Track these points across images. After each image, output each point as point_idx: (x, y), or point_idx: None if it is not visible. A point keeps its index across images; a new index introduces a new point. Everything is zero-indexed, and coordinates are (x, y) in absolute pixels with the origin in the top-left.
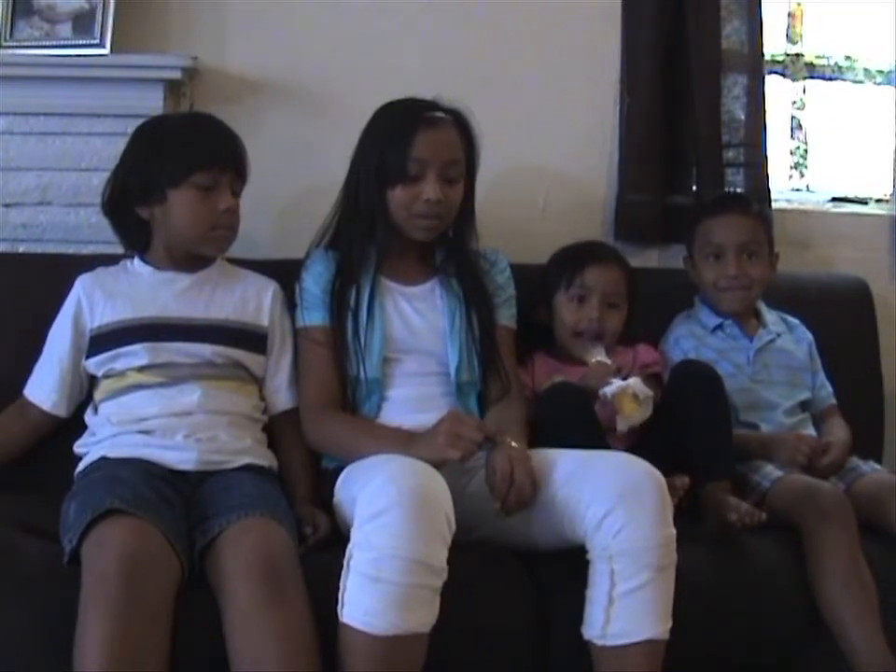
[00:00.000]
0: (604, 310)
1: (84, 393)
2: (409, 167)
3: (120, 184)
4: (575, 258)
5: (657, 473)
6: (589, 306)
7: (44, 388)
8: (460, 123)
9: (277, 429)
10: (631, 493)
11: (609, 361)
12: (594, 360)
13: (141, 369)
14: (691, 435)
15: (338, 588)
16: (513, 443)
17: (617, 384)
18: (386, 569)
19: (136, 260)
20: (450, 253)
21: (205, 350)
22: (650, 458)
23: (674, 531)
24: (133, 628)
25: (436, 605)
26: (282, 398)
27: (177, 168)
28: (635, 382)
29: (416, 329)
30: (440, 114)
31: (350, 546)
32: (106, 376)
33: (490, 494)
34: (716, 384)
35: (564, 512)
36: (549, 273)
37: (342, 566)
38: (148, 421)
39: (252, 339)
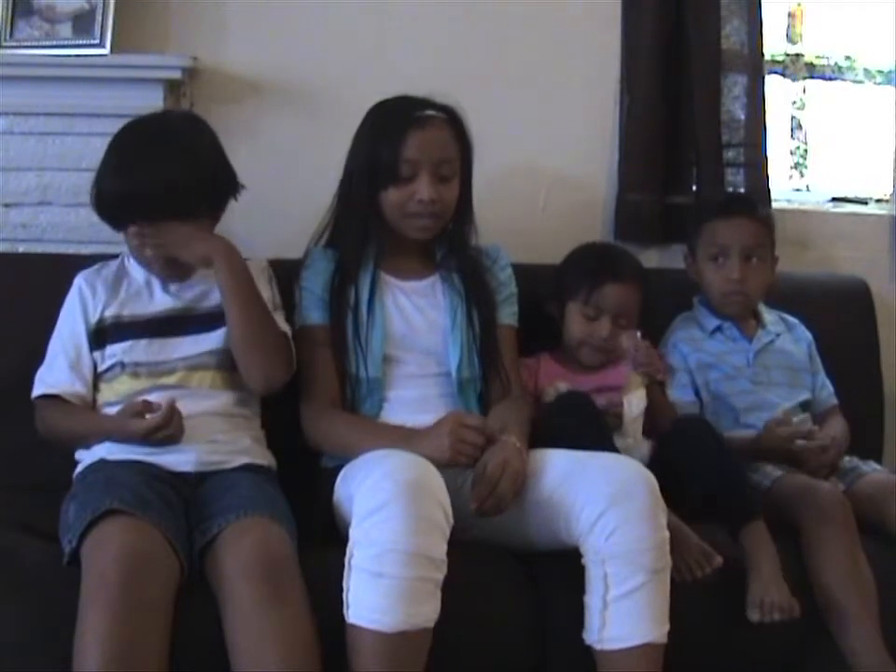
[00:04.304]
0: (614, 329)
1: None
2: (400, 169)
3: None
4: (595, 269)
5: (649, 474)
6: (600, 325)
7: (64, 378)
8: (452, 120)
9: None
10: (623, 494)
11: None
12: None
13: (135, 373)
14: (706, 499)
15: (338, 588)
16: (517, 443)
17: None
18: (388, 563)
19: (132, 259)
20: (450, 250)
21: (202, 341)
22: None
23: (668, 533)
24: (133, 628)
25: (438, 599)
26: None
27: (114, 221)
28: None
29: (416, 326)
30: (430, 112)
31: (350, 545)
32: (102, 380)
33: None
34: (708, 445)
35: (559, 514)
36: (567, 274)
37: (342, 566)
38: None
39: None
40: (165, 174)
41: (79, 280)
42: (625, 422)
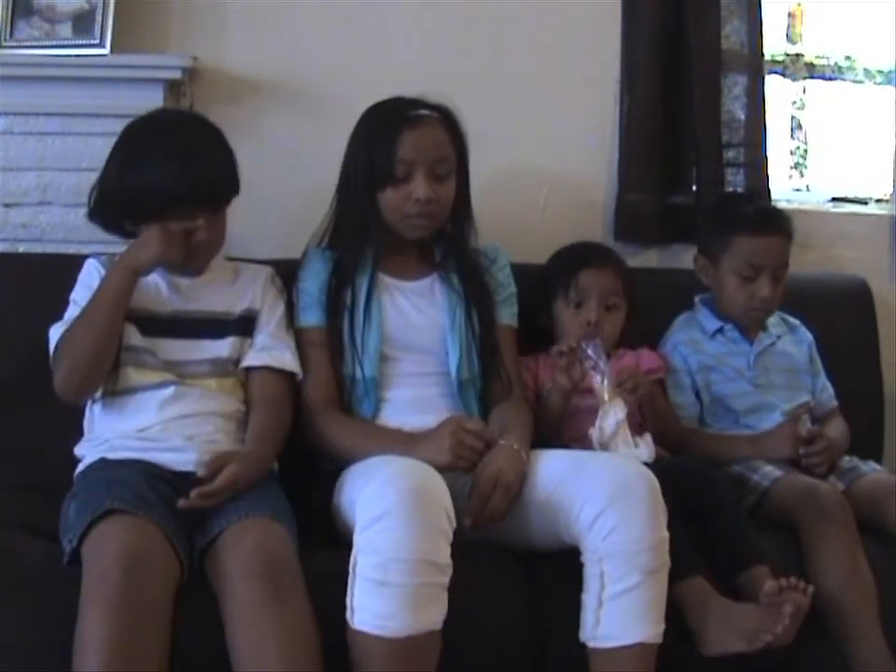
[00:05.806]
0: (602, 313)
1: None
2: (396, 169)
3: (107, 196)
4: (569, 262)
5: (650, 474)
6: (587, 310)
7: None
8: (446, 119)
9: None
10: (622, 494)
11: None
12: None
13: (139, 367)
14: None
15: (338, 588)
16: (514, 445)
17: (613, 421)
18: (393, 572)
19: None
20: (449, 250)
21: (206, 346)
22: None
23: (667, 534)
24: (133, 628)
25: (444, 601)
26: (254, 355)
27: (145, 215)
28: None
29: (414, 326)
30: (423, 112)
31: (354, 552)
32: None
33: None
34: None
35: (559, 512)
36: (546, 278)
37: (342, 566)
38: (146, 431)
39: (248, 325)
40: (206, 163)
41: (93, 260)
42: (603, 442)
